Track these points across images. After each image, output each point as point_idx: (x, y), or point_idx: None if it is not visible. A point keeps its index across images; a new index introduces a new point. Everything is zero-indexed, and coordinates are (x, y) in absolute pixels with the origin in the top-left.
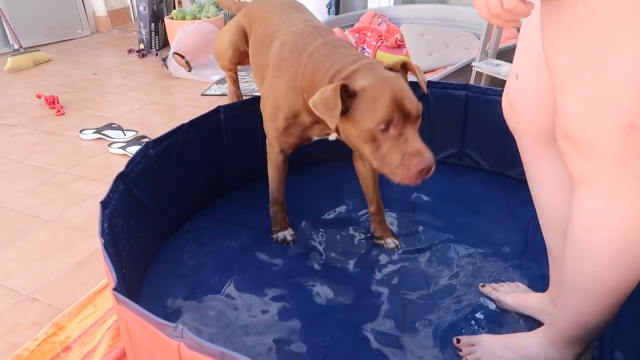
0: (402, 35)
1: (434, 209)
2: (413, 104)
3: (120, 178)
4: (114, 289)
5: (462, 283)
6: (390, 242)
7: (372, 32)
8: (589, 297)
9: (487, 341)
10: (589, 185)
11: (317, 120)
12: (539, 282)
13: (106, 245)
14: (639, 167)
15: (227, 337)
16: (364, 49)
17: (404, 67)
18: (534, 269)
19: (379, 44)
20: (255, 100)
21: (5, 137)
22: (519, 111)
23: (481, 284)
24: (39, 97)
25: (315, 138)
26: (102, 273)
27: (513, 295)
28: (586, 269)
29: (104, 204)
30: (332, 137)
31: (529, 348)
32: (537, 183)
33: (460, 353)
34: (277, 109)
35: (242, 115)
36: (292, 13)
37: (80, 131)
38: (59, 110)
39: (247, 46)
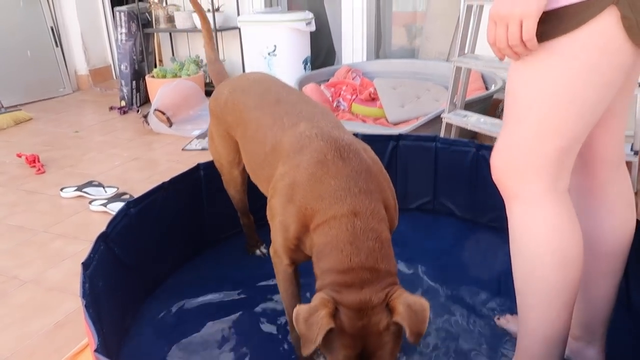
0: (375, 89)
1: (409, 256)
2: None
3: (102, 238)
4: (95, 351)
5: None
6: None
7: (347, 86)
8: (542, 304)
9: None
10: (522, 199)
11: None
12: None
13: (87, 307)
14: (559, 180)
15: None
16: (339, 102)
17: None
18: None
19: (354, 97)
20: None
21: None
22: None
23: (497, 316)
24: (19, 156)
25: None
26: (81, 334)
27: None
28: (533, 274)
29: (85, 265)
30: None
31: None
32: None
33: None
34: (286, 228)
35: None
36: (284, 119)
37: (61, 189)
38: (39, 169)
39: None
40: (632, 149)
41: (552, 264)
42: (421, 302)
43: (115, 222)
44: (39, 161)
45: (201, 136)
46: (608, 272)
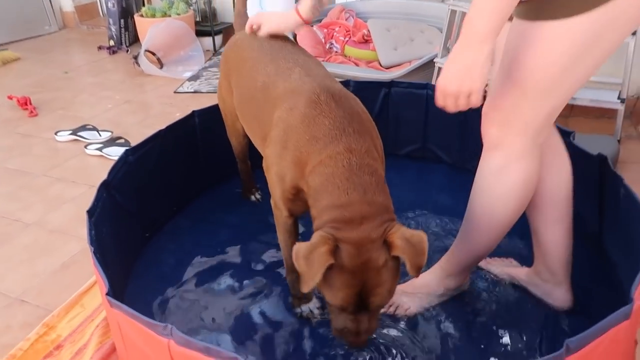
0: (368, 31)
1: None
2: (376, 301)
3: (104, 186)
4: (107, 294)
5: None
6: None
7: (340, 27)
8: (488, 232)
9: (399, 291)
10: (505, 149)
11: None
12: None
13: (95, 253)
14: (539, 137)
15: (207, 331)
16: (332, 44)
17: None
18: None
19: (347, 39)
20: None
21: None
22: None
23: None
24: (10, 98)
25: None
26: (87, 274)
27: (506, 269)
28: (493, 210)
29: (90, 212)
30: None
31: (431, 283)
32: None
33: (390, 312)
34: (282, 178)
35: (216, 118)
36: (281, 62)
37: (55, 133)
38: (31, 112)
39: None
40: (619, 97)
41: (515, 207)
42: (419, 235)
43: (116, 170)
44: (30, 103)
45: (193, 78)
46: (557, 218)
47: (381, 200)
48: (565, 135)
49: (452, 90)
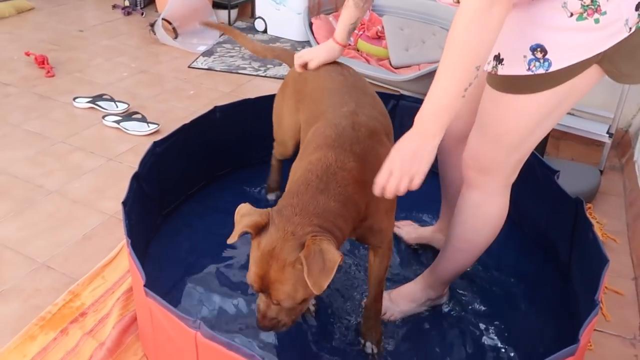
0: (383, 27)
1: None
2: (275, 295)
3: (135, 178)
4: (145, 286)
5: None
6: (369, 347)
7: None
8: (466, 255)
9: (387, 299)
10: (481, 189)
11: None
12: None
13: (133, 246)
14: (511, 179)
15: (216, 318)
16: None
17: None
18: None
19: (361, 32)
20: (247, 102)
21: None
22: (461, 121)
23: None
24: (27, 54)
25: None
26: (107, 247)
27: (409, 229)
28: (471, 238)
29: (125, 203)
30: None
31: (415, 293)
32: (450, 166)
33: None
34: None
35: (235, 114)
36: (345, 96)
37: (74, 99)
38: (48, 71)
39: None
40: (607, 132)
41: (488, 236)
42: (334, 255)
43: (145, 162)
44: (47, 63)
45: (207, 54)
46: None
47: (335, 210)
48: (552, 173)
49: (398, 170)
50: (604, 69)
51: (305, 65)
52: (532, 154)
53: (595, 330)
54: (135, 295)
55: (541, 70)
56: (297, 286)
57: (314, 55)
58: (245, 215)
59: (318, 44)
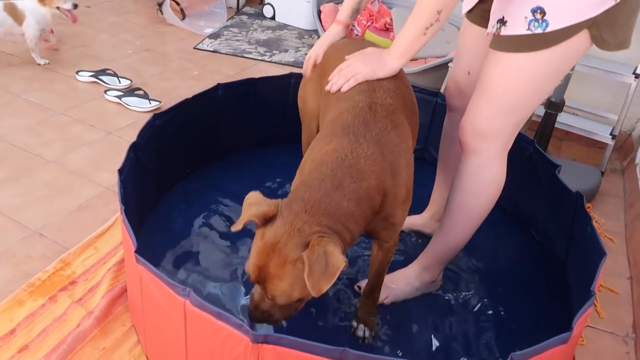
0: (391, 19)
1: None
2: (271, 290)
3: (133, 148)
4: (135, 252)
5: None
6: (361, 330)
7: (364, 10)
8: (464, 226)
9: (384, 283)
10: (480, 154)
11: None
12: None
13: (126, 212)
14: (508, 144)
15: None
16: (354, 26)
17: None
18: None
19: (369, 23)
20: (251, 81)
21: (1, 66)
22: (469, 96)
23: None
24: None
25: None
26: (101, 219)
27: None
28: (470, 206)
29: (120, 171)
30: None
31: (409, 277)
32: (452, 141)
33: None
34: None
35: (238, 93)
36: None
37: (77, 72)
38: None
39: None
40: (611, 133)
41: (489, 203)
42: (338, 259)
43: (144, 133)
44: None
45: (213, 36)
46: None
47: (348, 210)
48: (553, 167)
49: (359, 65)
50: (591, 35)
51: (314, 64)
52: (534, 149)
53: (588, 326)
54: (126, 263)
55: (539, 30)
56: (294, 285)
57: (319, 46)
58: (253, 204)
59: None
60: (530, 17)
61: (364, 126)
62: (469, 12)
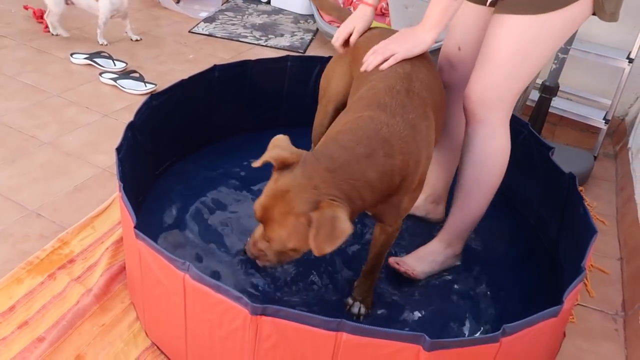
0: (387, 4)
1: None
2: (269, 233)
3: (130, 127)
4: (135, 227)
5: None
6: (356, 307)
7: None
8: (479, 199)
9: (407, 259)
10: (487, 124)
11: None
12: None
13: (124, 190)
14: (509, 112)
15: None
16: (350, 10)
17: None
18: None
19: None
20: (248, 63)
21: None
22: (460, 71)
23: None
24: (26, 8)
25: None
26: (98, 199)
27: None
28: (483, 179)
29: (118, 150)
30: None
31: (434, 253)
32: (457, 119)
33: (402, 270)
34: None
35: (235, 75)
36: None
37: (71, 54)
38: (46, 26)
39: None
40: (604, 118)
41: (500, 172)
42: (346, 225)
43: (141, 113)
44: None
45: (208, 20)
46: (457, 156)
47: (370, 181)
48: (546, 149)
49: (393, 45)
50: (593, 1)
51: (346, 43)
52: (528, 131)
53: (579, 305)
54: (125, 239)
55: None
56: (291, 236)
57: (352, 27)
58: (277, 147)
59: (322, 17)
60: None
61: (402, 108)
62: None
